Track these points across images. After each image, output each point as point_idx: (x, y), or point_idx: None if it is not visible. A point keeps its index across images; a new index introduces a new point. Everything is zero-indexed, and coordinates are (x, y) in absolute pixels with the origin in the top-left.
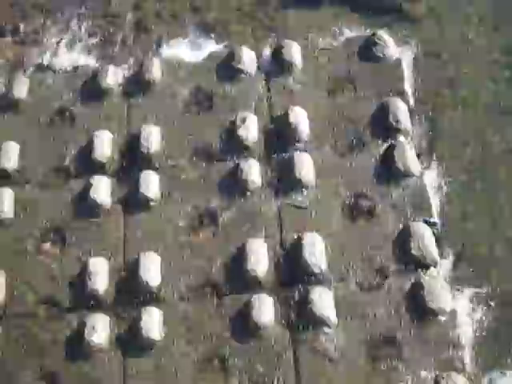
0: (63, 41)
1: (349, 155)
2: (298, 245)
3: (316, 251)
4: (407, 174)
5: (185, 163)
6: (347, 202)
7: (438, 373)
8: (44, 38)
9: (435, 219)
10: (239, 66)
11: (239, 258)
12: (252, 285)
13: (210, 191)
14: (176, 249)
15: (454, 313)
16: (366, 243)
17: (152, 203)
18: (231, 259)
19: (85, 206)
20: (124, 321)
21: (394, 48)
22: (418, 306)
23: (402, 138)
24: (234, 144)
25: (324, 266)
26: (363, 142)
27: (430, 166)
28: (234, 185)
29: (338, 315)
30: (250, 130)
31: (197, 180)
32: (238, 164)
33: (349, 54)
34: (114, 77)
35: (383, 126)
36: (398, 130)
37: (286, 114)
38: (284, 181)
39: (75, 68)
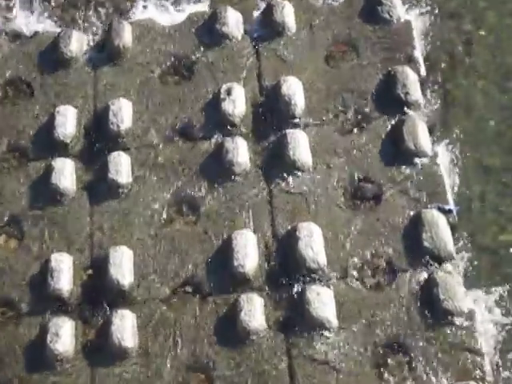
0: (19, 3)
1: (351, 133)
2: (292, 236)
3: (313, 244)
4: (418, 154)
5: (161, 142)
6: (349, 187)
7: (454, 382)
8: None
9: (451, 206)
10: (223, 30)
11: (225, 252)
12: (240, 283)
13: (191, 175)
14: (151, 242)
15: (472, 314)
16: (372, 234)
17: (123, 189)
18: (215, 253)
19: (45, 192)
20: (92, 326)
21: (402, 8)
22: (432, 307)
23: (412, 112)
24: (217, 120)
25: (323, 261)
26: (367, 118)
27: (444, 143)
28: (218, 167)
29: (339, 317)
30: (237, 103)
31: (175, 162)
32: (222, 143)
33: (350, 14)
34: (78, 43)
35: (390, 98)
36: (407, 103)
37: (278, 85)
38: (276, 163)
39: (33, 33)
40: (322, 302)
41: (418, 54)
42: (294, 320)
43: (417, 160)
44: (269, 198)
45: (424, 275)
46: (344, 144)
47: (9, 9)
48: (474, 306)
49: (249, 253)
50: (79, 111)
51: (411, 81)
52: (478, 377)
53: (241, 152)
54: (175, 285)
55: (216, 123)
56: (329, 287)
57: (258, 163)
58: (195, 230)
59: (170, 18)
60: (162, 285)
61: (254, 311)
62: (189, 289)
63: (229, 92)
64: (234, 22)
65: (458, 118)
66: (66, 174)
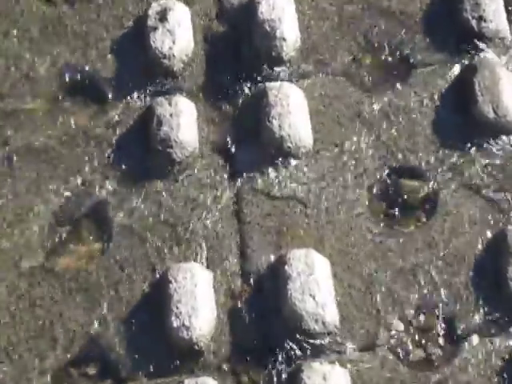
0: None
1: (382, 88)
2: (278, 275)
3: (315, 288)
4: (502, 126)
5: (41, 107)
6: (379, 186)
7: None
8: None
9: None
10: None
11: (156, 303)
12: (183, 358)
13: (94, 167)
14: (24, 286)
15: None
16: (418, 270)
17: None
18: (139, 306)
19: None
20: None
21: None
22: None
23: (489, 53)
24: (142, 66)
25: (332, 319)
26: (410, 62)
27: None
28: (143, 152)
29: None
30: (177, 35)
31: (66, 144)
32: (151, 108)
33: None
34: None
35: (451, 27)
36: (481, 36)
37: (253, 4)
38: (249, 142)
39: None
40: None
41: None
42: None
43: (500, 137)
44: (235, 207)
45: (511, 343)
46: (368, 108)
47: None
48: None
49: (200, 305)
50: None
51: None
52: None
53: (184, 122)
54: (66, 362)
55: (140, 72)
56: (343, 365)
57: (215, 143)
58: (103, 265)
59: None
60: (45, 361)
61: None
62: (92, 369)
63: (163, 16)
64: None
65: None
66: None
